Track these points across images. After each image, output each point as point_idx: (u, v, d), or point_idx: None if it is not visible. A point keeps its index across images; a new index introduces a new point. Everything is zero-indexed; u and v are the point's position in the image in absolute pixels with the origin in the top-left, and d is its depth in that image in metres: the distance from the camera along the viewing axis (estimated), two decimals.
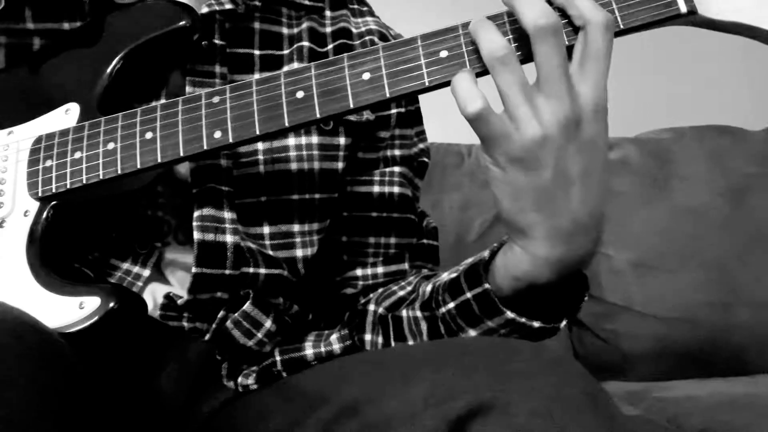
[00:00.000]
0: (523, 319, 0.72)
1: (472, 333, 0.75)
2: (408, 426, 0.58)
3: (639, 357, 1.63)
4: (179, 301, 0.79)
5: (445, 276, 0.80)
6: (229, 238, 0.80)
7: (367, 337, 0.85)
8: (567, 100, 0.64)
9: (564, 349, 1.65)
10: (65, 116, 0.79)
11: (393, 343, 0.83)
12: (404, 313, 0.83)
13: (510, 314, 0.72)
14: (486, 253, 0.75)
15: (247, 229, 0.83)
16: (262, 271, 0.82)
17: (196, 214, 0.79)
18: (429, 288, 0.81)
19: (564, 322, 0.74)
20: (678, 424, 1.24)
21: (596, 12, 0.64)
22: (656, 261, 1.66)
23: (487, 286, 0.73)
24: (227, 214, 0.81)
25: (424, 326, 0.80)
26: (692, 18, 0.67)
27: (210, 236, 0.79)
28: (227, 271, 0.80)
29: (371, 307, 0.87)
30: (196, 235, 0.79)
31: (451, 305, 0.76)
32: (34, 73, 0.82)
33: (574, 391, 0.58)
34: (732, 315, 1.64)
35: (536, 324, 0.72)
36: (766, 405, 1.26)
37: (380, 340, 0.84)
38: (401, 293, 0.87)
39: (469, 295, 0.74)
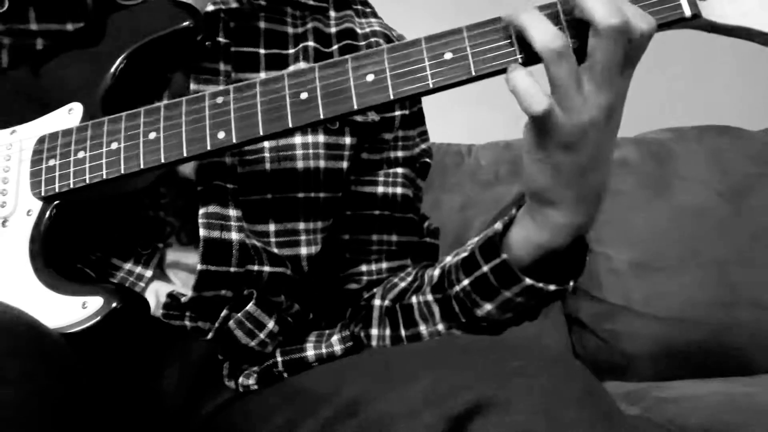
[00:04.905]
0: (540, 284, 0.75)
1: (488, 307, 0.78)
2: (408, 424, 0.59)
3: (639, 357, 1.62)
4: (183, 299, 0.80)
5: (452, 258, 0.82)
6: (234, 236, 0.80)
7: (374, 331, 0.86)
8: (614, 91, 0.67)
9: (564, 348, 1.64)
10: (68, 116, 0.79)
11: (403, 332, 0.84)
12: (414, 299, 0.84)
13: (528, 281, 0.75)
14: (499, 226, 0.78)
15: (252, 226, 0.83)
16: (266, 269, 0.82)
17: (201, 211, 0.80)
18: (437, 272, 0.83)
19: (572, 284, 0.77)
20: (678, 424, 1.24)
21: (646, 19, 0.66)
22: (656, 261, 1.66)
23: (505, 256, 0.75)
24: (232, 212, 0.81)
25: (436, 308, 0.82)
26: (696, 22, 0.68)
27: (216, 233, 0.79)
28: (232, 269, 0.80)
29: (377, 302, 0.87)
30: (202, 232, 0.79)
31: (466, 282, 0.78)
32: (38, 72, 0.82)
33: (574, 390, 0.58)
34: (732, 315, 1.63)
35: (552, 287, 0.75)
36: (766, 405, 1.26)
37: (388, 332, 0.85)
38: (403, 284, 0.88)
39: (485, 268, 0.76)
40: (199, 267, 0.79)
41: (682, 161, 1.76)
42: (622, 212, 1.68)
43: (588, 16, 0.65)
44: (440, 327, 0.82)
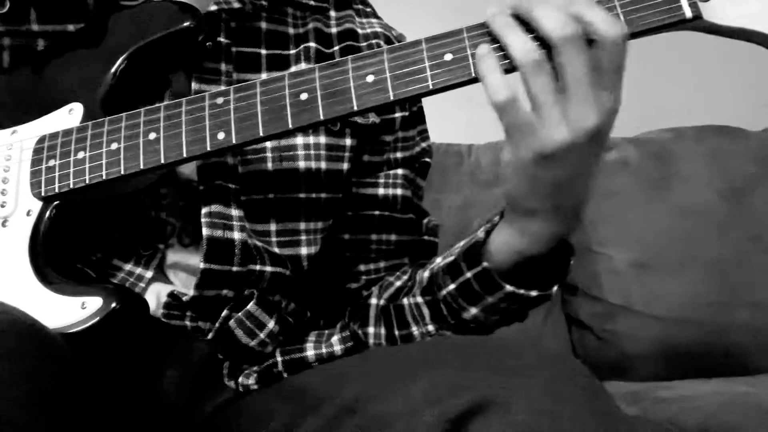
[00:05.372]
0: (522, 291, 0.75)
1: (474, 311, 0.78)
2: (408, 423, 0.59)
3: (639, 357, 1.63)
4: (185, 298, 0.80)
5: (441, 261, 0.82)
6: (236, 235, 0.80)
7: (371, 329, 0.87)
8: (594, 108, 0.65)
9: (564, 348, 1.65)
10: (69, 116, 0.79)
11: (396, 332, 0.85)
12: (405, 301, 0.85)
13: (509, 288, 0.75)
14: (481, 234, 0.78)
15: (253, 226, 0.83)
16: (268, 269, 0.83)
17: (204, 210, 0.80)
18: (426, 274, 0.83)
19: (555, 288, 0.78)
20: (678, 424, 1.24)
21: (612, 26, 0.64)
22: (656, 261, 1.66)
23: (486, 264, 0.75)
24: (234, 212, 0.81)
25: (426, 311, 0.82)
26: (697, 23, 0.68)
27: (219, 233, 0.80)
28: (234, 268, 0.80)
29: (373, 300, 0.88)
30: (205, 232, 0.79)
31: (452, 287, 0.78)
32: (38, 73, 0.82)
33: (574, 389, 0.59)
34: (732, 315, 1.63)
35: (533, 293, 0.76)
36: (766, 405, 1.26)
37: (383, 331, 0.86)
38: (398, 283, 0.88)
39: (468, 274, 0.77)
40: (202, 266, 0.79)
41: (682, 161, 1.76)
42: (622, 212, 1.69)
43: (541, 32, 0.65)
44: (430, 328, 0.83)
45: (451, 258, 0.80)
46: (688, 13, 0.67)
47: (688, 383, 1.50)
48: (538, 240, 0.74)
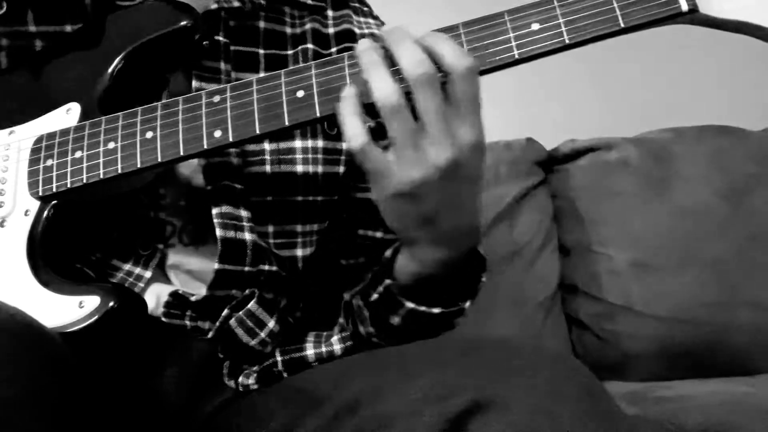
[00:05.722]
0: (423, 308, 0.77)
1: (396, 320, 0.80)
2: (408, 423, 0.59)
3: (639, 357, 1.62)
4: (193, 298, 0.80)
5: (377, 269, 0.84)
6: (247, 236, 0.81)
7: (341, 320, 0.90)
8: (448, 143, 0.66)
9: (564, 348, 1.64)
10: (66, 116, 0.79)
11: (351, 328, 0.88)
12: (354, 302, 0.87)
13: (409, 304, 0.78)
14: (389, 253, 0.81)
15: (255, 227, 0.84)
16: (275, 269, 0.83)
17: (215, 211, 0.80)
18: (369, 278, 0.86)
19: (468, 303, 0.79)
20: (678, 424, 1.24)
21: (458, 59, 0.65)
22: (656, 261, 1.66)
23: (387, 282, 0.79)
24: (243, 212, 0.82)
25: (365, 313, 0.84)
26: (693, 16, 0.67)
27: (231, 233, 0.80)
28: (246, 268, 0.81)
29: (345, 294, 0.90)
30: (219, 232, 0.80)
31: (376, 296, 0.81)
32: (36, 73, 0.82)
33: (574, 389, 0.58)
34: (732, 315, 1.63)
35: (436, 310, 0.78)
36: (766, 405, 1.26)
37: (347, 324, 0.89)
38: (366, 281, 0.89)
39: (381, 288, 0.80)
40: (216, 266, 0.80)
41: (682, 161, 1.76)
42: (622, 212, 1.68)
43: (399, 65, 0.66)
44: (371, 330, 0.85)
45: (376, 269, 0.83)
46: (685, 6, 0.66)
47: (688, 383, 1.50)
48: (426, 265, 0.76)
